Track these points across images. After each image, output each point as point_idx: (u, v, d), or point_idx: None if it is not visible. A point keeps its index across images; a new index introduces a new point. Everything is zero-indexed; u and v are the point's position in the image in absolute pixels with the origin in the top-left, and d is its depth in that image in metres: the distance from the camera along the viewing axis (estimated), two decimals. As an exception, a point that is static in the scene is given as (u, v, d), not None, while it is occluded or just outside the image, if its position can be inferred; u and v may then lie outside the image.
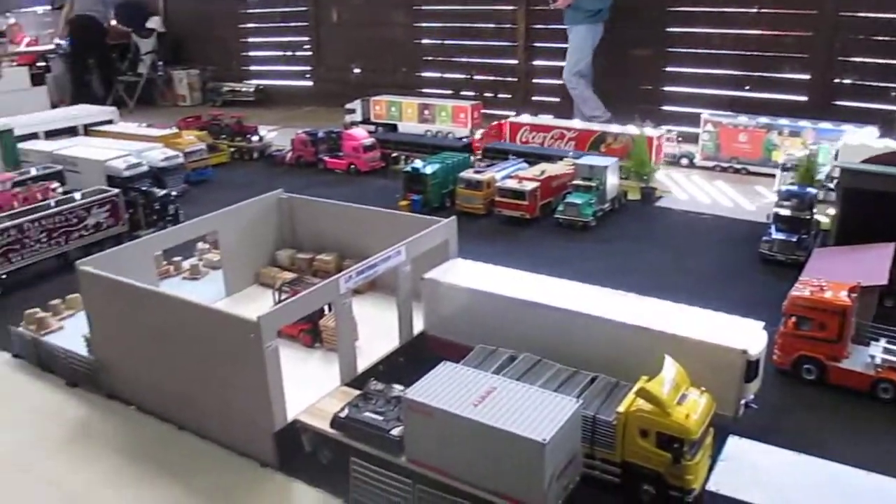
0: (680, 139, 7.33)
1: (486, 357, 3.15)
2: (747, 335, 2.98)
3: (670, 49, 8.83)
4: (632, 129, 6.83)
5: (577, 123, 7.64)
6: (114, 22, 13.35)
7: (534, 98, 9.97)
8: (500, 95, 10.28)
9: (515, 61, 10.03)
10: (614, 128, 7.20)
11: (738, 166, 6.93)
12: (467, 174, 6.03)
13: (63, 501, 2.88)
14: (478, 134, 7.76)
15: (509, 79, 10.18)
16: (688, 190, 6.57)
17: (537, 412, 2.54)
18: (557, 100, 9.61)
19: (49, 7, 15.28)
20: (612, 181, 5.87)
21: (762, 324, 3.08)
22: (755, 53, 8.28)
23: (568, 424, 2.52)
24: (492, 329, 3.32)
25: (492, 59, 10.34)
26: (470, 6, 10.24)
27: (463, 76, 10.63)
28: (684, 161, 7.20)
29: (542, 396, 2.65)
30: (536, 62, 9.92)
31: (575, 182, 5.77)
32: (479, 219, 5.86)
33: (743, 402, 2.98)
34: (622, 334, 3.11)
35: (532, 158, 6.50)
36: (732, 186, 6.58)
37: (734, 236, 5.38)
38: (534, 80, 9.99)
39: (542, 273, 3.59)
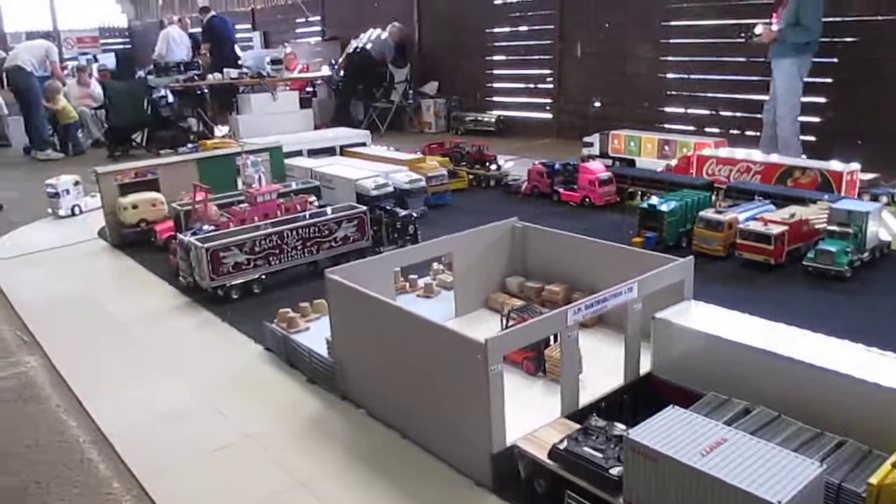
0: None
1: (717, 406, 2.96)
2: None
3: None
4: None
5: (761, 157, 7.34)
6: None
7: (786, 137, 9.33)
8: (747, 133, 9.75)
9: (766, 97, 9.45)
10: (802, 162, 6.83)
11: None
12: (708, 213, 5.75)
13: (293, 486, 3.10)
14: (669, 164, 7.84)
15: (758, 115, 9.61)
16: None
17: (773, 471, 2.32)
18: (813, 138, 8.95)
19: (320, 38, 16.90)
20: (873, 228, 5.31)
21: None
22: None
23: (808, 489, 2.27)
24: (726, 377, 3.12)
25: (740, 94, 9.85)
26: (720, 39, 9.86)
27: (707, 112, 10.23)
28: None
29: (780, 455, 2.42)
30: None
31: (830, 227, 5.29)
32: (718, 261, 5.56)
33: None
34: (879, 397, 2.76)
35: (780, 200, 6.09)
36: None
37: None
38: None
39: (785, 323, 3.31)
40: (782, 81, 8.17)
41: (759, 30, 8.16)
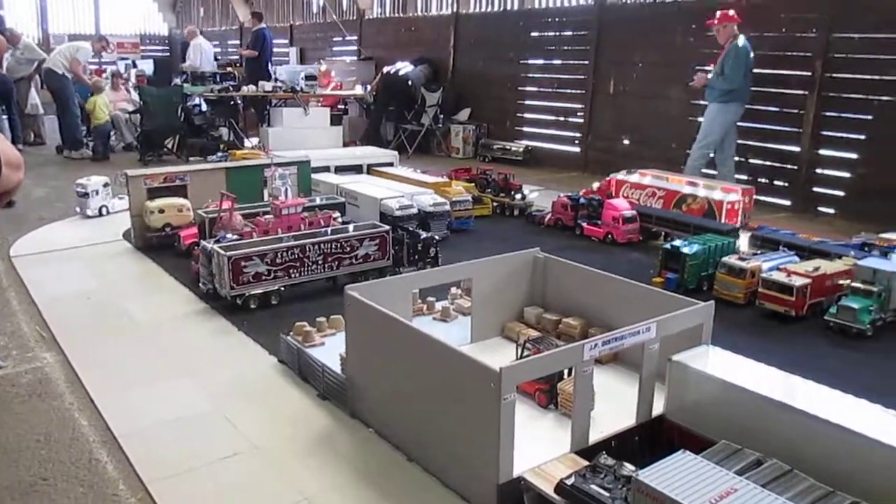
0: None
1: (729, 455, 2.92)
2: None
3: None
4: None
5: (667, 184, 8.03)
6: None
7: (814, 189, 9.30)
8: (775, 182, 9.72)
9: (797, 149, 9.44)
10: (694, 190, 7.64)
11: None
12: (731, 259, 5.72)
13: (297, 500, 3.10)
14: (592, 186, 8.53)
15: (788, 166, 9.59)
16: None
17: (781, 527, 2.30)
18: (842, 193, 8.90)
19: (356, 58, 17.13)
20: (899, 289, 5.25)
21: None
22: None
23: (817, 549, 2.25)
24: (739, 426, 3.08)
25: (771, 143, 9.82)
26: (755, 88, 9.87)
27: (737, 158, 10.21)
28: None
29: (790, 512, 2.39)
30: (823, 151, 9.26)
31: (854, 284, 5.24)
32: (738, 308, 5.52)
33: None
34: (895, 460, 2.73)
35: (806, 253, 6.04)
36: None
37: None
38: (817, 170, 9.32)
39: (802, 377, 3.27)
40: (705, 120, 9.21)
41: (696, 76, 9.27)
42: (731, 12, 8.95)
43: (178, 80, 14.96)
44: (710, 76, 9.07)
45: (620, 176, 8.65)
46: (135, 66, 20.61)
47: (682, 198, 7.87)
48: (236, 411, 3.84)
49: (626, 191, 8.43)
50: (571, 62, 12.81)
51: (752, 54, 8.93)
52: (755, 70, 9.09)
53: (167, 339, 4.85)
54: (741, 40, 8.82)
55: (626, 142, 11.86)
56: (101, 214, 8.29)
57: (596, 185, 8.75)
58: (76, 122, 13.11)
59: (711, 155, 9.29)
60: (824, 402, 3.04)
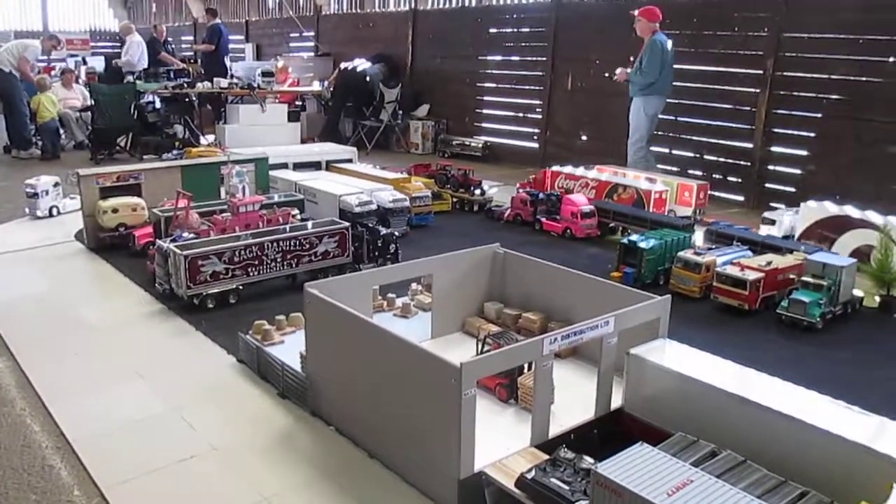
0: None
1: (685, 447, 2.97)
2: None
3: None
4: (874, 218, 6.35)
5: (600, 175, 8.40)
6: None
7: (766, 185, 9.50)
8: (729, 178, 9.90)
9: (750, 145, 9.63)
10: (623, 180, 8.03)
11: None
12: (686, 254, 5.81)
13: (257, 501, 3.07)
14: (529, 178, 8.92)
15: (742, 162, 9.78)
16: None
17: (736, 517, 2.34)
18: (793, 190, 9.11)
19: (313, 54, 17.00)
20: (847, 283, 5.39)
21: None
22: None
23: (770, 537, 2.30)
24: (695, 419, 3.14)
25: (725, 140, 10.00)
26: (709, 85, 10.06)
27: (692, 155, 10.38)
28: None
29: (744, 501, 2.43)
30: (774, 148, 9.47)
31: (804, 279, 5.37)
32: (693, 302, 5.61)
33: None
34: (842, 450, 2.80)
35: (758, 248, 6.17)
36: None
37: None
38: (769, 167, 9.52)
39: (755, 369, 3.35)
40: (631, 116, 9.51)
41: (617, 71, 9.54)
42: (652, 8, 9.23)
43: (130, 77, 14.68)
44: (629, 71, 9.35)
45: (555, 168, 9.06)
46: (85, 63, 20.12)
47: (613, 188, 8.22)
48: (194, 412, 3.79)
49: (561, 182, 8.72)
50: (529, 59, 12.88)
51: (669, 49, 9.14)
52: (706, 68, 9.30)
53: (122, 342, 4.76)
54: (659, 36, 9.13)
55: (583, 137, 11.97)
56: (51, 215, 8.10)
57: (531, 177, 9.08)
58: (24, 121, 12.76)
59: (647, 146, 9.60)
60: (777, 394, 3.11)
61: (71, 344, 4.71)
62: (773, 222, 7.23)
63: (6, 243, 7.06)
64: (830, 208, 6.80)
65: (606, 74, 10.40)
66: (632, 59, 9.49)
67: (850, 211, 6.68)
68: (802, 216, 6.89)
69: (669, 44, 9.21)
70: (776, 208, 8.11)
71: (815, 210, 6.84)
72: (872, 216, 6.50)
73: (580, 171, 8.79)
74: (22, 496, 3.12)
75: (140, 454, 3.41)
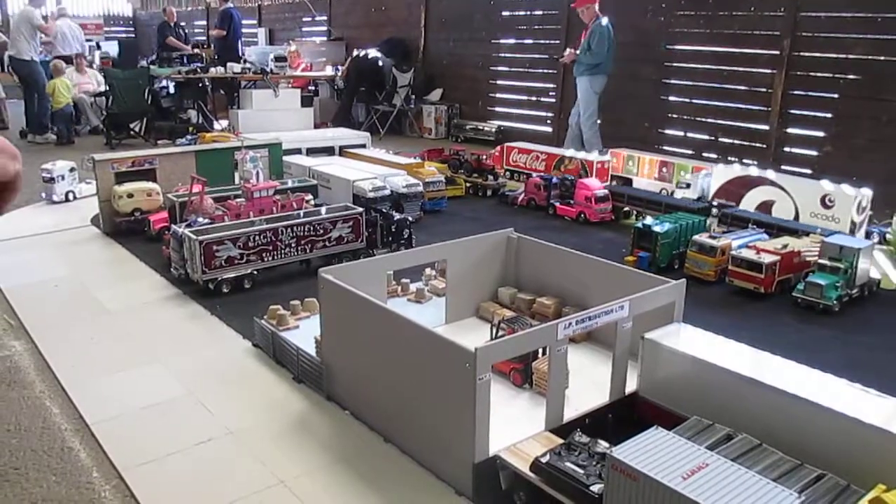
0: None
1: (700, 430, 2.97)
2: None
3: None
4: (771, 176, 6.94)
5: (549, 148, 9.34)
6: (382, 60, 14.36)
7: (783, 167, 9.40)
8: (745, 161, 9.80)
9: (766, 127, 9.54)
10: (568, 153, 8.91)
11: None
12: (701, 238, 5.78)
13: (272, 484, 3.09)
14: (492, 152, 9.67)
15: (757, 144, 9.69)
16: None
17: (751, 500, 2.34)
18: (809, 171, 9.02)
19: (326, 38, 16.94)
20: (864, 265, 5.35)
21: None
22: None
23: (786, 521, 2.30)
24: (711, 402, 3.13)
25: (740, 122, 9.91)
26: (725, 66, 9.94)
27: (707, 137, 10.29)
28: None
29: (759, 484, 2.44)
30: (791, 130, 9.37)
31: (821, 261, 5.33)
32: (709, 286, 5.59)
33: None
34: (860, 433, 2.78)
35: (774, 230, 6.12)
36: None
37: None
38: (785, 149, 9.43)
39: (770, 353, 3.33)
40: (581, 95, 10.30)
41: (565, 53, 10.49)
42: None
43: (144, 62, 14.68)
44: (577, 52, 10.13)
45: (511, 144, 9.63)
46: (99, 48, 20.16)
47: (560, 160, 8.79)
48: (210, 396, 3.82)
49: (515, 156, 9.30)
50: (543, 41, 12.78)
51: (612, 32, 9.96)
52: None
53: (138, 325, 4.80)
54: (604, 20, 9.94)
55: (598, 121, 11.87)
56: (67, 200, 8.16)
57: (492, 151, 9.69)
58: (46, 107, 12.83)
59: (598, 121, 10.33)
60: (793, 378, 3.10)
61: (88, 327, 4.75)
62: (687, 185, 7.89)
63: (23, 228, 7.12)
64: (736, 169, 7.59)
65: (555, 57, 11.29)
66: (572, 50, 10.37)
67: (752, 171, 7.49)
68: (714, 178, 7.62)
69: (611, 26, 9.97)
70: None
71: (724, 172, 7.60)
72: (770, 174, 7.29)
73: (531, 146, 9.43)
74: (42, 477, 3.16)
75: (157, 437, 3.45)
